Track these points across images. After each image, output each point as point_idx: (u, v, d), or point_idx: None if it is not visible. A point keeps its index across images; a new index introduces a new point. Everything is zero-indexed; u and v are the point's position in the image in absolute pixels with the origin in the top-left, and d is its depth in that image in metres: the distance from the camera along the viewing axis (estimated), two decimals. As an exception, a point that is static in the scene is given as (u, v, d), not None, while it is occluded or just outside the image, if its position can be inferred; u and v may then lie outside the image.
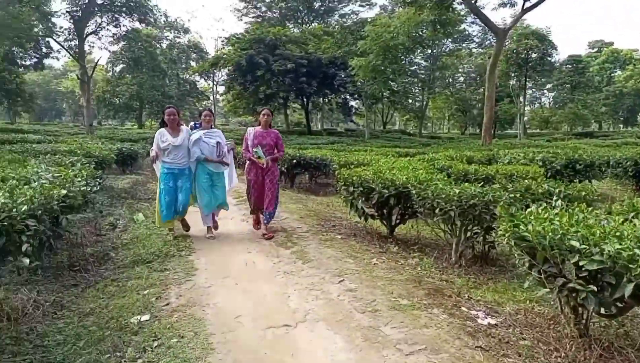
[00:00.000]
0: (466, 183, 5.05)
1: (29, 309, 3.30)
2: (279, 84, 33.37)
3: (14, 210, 2.81)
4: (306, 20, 50.75)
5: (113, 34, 31.52)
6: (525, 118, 48.82)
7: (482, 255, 4.96)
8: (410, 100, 46.31)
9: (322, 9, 50.44)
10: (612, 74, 52.38)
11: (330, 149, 13.35)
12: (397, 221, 6.05)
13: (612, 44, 55.89)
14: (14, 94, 39.45)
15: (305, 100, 38.81)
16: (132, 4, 29.15)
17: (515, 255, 3.08)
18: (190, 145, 5.62)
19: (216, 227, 6.05)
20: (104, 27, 30.55)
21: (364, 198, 5.74)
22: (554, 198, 4.75)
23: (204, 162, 5.76)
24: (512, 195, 4.51)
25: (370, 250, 5.40)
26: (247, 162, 6.11)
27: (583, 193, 4.74)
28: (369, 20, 30.76)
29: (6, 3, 22.58)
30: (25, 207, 2.89)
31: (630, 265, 2.31)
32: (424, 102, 46.90)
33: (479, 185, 4.90)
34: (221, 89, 48.70)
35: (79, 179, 4.63)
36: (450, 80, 50.21)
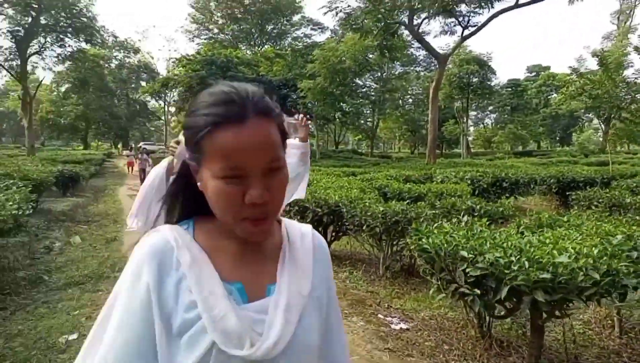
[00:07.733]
0: (393, 202, 5.43)
1: (-48, 333, 3.31)
2: (230, 105, 33.44)
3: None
4: (259, 42, 51.28)
5: (58, 54, 30.65)
6: (470, 138, 51.05)
7: (408, 268, 5.31)
8: (362, 121, 47.43)
9: (275, 32, 51.22)
10: (549, 97, 55.80)
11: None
12: (332, 238, 6.33)
13: (548, 68, 59.49)
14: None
15: (257, 120, 38.95)
16: (78, 25, 28.49)
17: (419, 264, 3.41)
18: None
19: None
20: (48, 48, 29.70)
21: (299, 217, 6.00)
22: (475, 213, 5.23)
23: None
24: (437, 211, 4.91)
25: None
26: None
27: (501, 209, 5.22)
28: (319, 43, 31.57)
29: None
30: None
31: (506, 271, 2.67)
32: (375, 123, 48.18)
33: (412, 203, 5.29)
34: (173, 109, 48.11)
35: (11, 203, 4.63)
36: (400, 101, 51.87)
